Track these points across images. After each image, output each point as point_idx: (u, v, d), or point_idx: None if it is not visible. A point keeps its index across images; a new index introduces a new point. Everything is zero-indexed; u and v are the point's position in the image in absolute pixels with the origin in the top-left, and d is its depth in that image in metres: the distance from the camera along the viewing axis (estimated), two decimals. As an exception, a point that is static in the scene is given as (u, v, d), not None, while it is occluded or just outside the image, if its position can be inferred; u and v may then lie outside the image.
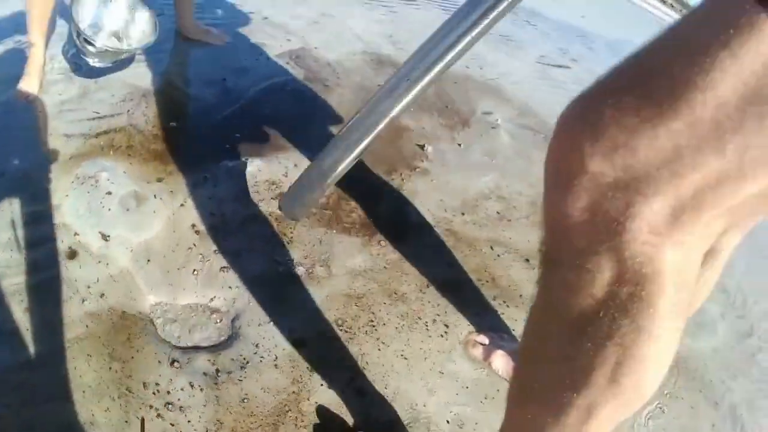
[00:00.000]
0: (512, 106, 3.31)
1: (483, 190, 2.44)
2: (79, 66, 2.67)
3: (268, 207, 2.06)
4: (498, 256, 2.12)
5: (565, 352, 0.79)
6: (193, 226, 1.93)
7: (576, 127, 0.75)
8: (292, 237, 1.96)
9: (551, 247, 0.81)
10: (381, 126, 1.65)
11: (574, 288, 0.75)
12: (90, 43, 2.37)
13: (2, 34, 3.03)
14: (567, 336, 0.79)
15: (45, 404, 1.41)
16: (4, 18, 3.24)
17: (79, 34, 2.37)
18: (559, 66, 4.42)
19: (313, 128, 2.58)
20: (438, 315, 1.84)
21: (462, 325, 1.84)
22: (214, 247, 1.87)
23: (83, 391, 1.45)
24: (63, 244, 1.79)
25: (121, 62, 2.61)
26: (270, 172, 2.23)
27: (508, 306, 1.94)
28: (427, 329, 1.79)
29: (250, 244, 1.90)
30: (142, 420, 1.42)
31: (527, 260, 2.13)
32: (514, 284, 2.03)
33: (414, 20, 4.03)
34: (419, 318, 1.81)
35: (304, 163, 2.24)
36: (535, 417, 0.88)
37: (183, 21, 3.07)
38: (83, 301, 1.65)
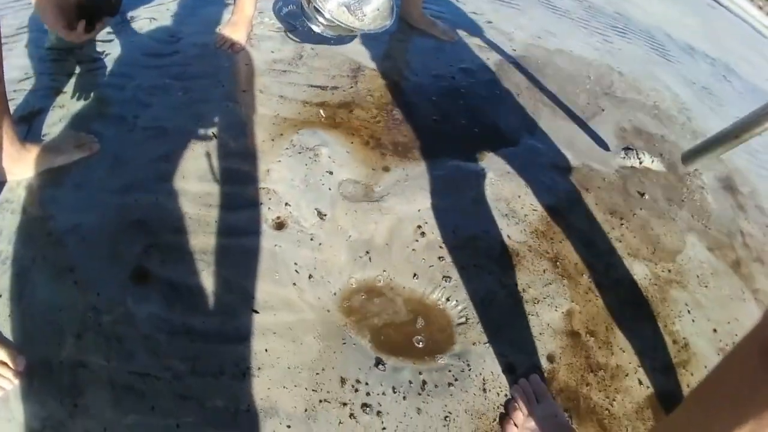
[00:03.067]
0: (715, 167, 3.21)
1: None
2: (292, 26, 2.67)
3: (499, 225, 2.01)
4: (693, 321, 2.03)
5: None
6: (419, 228, 1.89)
7: None
8: (519, 260, 1.90)
9: None
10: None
11: None
12: (319, 12, 2.29)
13: None
14: None
15: (214, 378, 1.41)
16: None
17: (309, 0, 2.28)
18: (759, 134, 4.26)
19: (537, 138, 2.54)
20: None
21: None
22: (439, 254, 1.83)
23: (269, 373, 1.45)
24: (270, 212, 1.78)
25: (344, 37, 2.58)
26: (504, 184, 2.17)
27: None
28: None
29: (477, 260, 1.85)
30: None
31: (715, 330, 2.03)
32: None
33: (626, 53, 3.92)
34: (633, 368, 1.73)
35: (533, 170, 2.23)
36: None
37: (410, 8, 3.06)
38: (289, 278, 1.64)
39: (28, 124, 1.96)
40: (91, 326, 1.43)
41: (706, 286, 2.17)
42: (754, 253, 2.56)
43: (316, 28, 2.37)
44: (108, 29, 2.45)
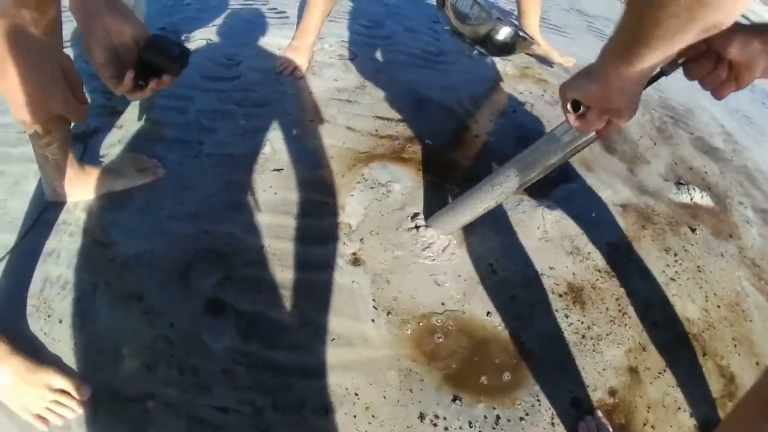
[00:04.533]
0: (760, 199, 3.26)
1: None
2: (354, 54, 2.74)
3: (565, 263, 2.09)
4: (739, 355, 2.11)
5: None
6: (491, 266, 1.98)
7: None
8: (584, 298, 2.00)
9: None
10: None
11: None
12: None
13: None
14: None
15: (295, 412, 1.45)
16: None
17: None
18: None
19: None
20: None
21: None
22: (511, 293, 1.91)
23: (349, 408, 1.50)
24: (345, 247, 1.83)
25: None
26: (567, 222, 2.25)
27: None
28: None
29: (545, 298, 1.95)
30: None
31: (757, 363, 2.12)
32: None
33: (672, 83, 3.98)
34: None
35: (594, 208, 2.32)
36: None
37: (529, 32, 3.11)
38: (367, 314, 1.69)
39: (83, 144, 1.99)
40: (164, 357, 1.47)
41: (751, 321, 2.25)
42: (800, 286, 2.64)
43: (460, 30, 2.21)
44: None
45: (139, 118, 2.13)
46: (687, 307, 2.15)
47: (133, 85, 1.26)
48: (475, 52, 2.25)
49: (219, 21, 2.92)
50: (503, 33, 2.16)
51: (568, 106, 1.20)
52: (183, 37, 2.68)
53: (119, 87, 1.24)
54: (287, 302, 1.65)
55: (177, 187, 1.88)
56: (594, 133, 1.25)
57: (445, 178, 2.23)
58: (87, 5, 1.18)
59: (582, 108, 1.16)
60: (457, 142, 2.46)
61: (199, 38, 2.71)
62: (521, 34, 2.23)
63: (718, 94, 1.14)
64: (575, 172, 2.57)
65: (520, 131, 2.70)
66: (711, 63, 1.10)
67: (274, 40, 2.79)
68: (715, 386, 1.92)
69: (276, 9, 3.17)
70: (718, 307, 2.24)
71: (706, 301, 2.23)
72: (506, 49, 2.26)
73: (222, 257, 1.71)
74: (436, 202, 2.10)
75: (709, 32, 0.81)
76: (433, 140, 2.40)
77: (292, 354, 1.55)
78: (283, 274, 1.72)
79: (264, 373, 1.50)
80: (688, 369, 1.92)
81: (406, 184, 2.12)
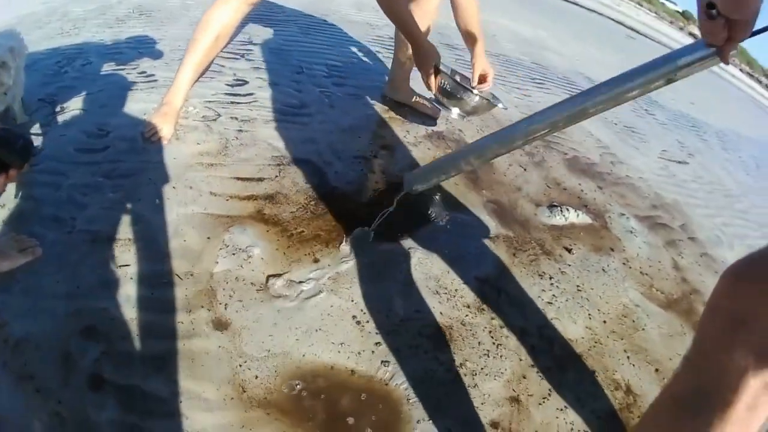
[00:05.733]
0: (643, 207, 3.41)
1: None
2: (217, 114, 2.79)
3: (430, 303, 2.12)
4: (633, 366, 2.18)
5: None
6: (354, 317, 2.00)
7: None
8: (454, 336, 2.03)
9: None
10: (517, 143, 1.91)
11: None
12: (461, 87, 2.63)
13: (125, 59, 3.27)
14: None
15: None
16: (126, 43, 3.51)
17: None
18: (679, 162, 4.55)
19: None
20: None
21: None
22: (376, 341, 1.94)
23: None
24: (210, 313, 1.86)
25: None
26: (432, 262, 2.30)
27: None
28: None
29: (412, 341, 1.97)
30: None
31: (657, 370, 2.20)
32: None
33: (545, 104, 4.19)
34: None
35: (460, 244, 2.35)
36: None
37: (397, 83, 3.41)
38: (234, 376, 1.71)
39: (-33, 228, 1.99)
40: None
41: (643, 329, 2.34)
42: (690, 286, 2.76)
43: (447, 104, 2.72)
44: (41, 121, 2.57)
45: (16, 196, 2.14)
46: (568, 328, 2.20)
47: None
48: (455, 114, 2.74)
49: (94, 89, 2.94)
50: (473, 101, 2.67)
51: (704, 7, 1.25)
52: (58, 108, 2.70)
53: None
54: (161, 372, 1.66)
55: (54, 265, 1.90)
56: (715, 53, 1.31)
57: (305, 234, 2.26)
58: None
59: (714, 11, 1.22)
60: (316, 195, 2.50)
61: (74, 108, 2.72)
62: (490, 99, 2.73)
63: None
64: (442, 209, 2.64)
65: (380, 177, 2.77)
66: None
67: (142, 106, 2.82)
68: (612, 400, 1.98)
69: (146, 73, 3.20)
70: (604, 322, 2.32)
71: (590, 318, 2.30)
72: (477, 111, 2.77)
73: (99, 333, 1.72)
74: (296, 260, 2.13)
75: None
76: (292, 196, 2.44)
77: (170, 423, 1.56)
78: (155, 344, 1.73)
79: (146, 443, 1.51)
80: (576, 389, 1.97)
81: (265, 247, 2.13)
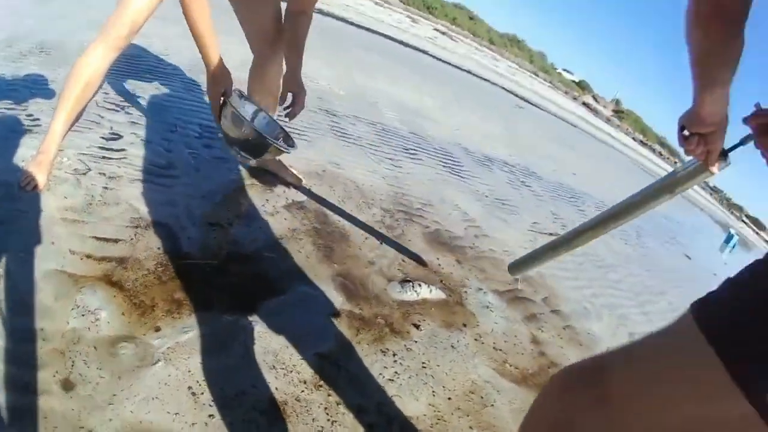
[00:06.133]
0: (503, 281, 3.50)
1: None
2: (87, 168, 2.76)
3: (267, 378, 2.12)
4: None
5: None
6: (190, 388, 1.97)
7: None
8: (288, 412, 2.02)
9: None
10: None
11: None
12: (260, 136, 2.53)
13: (18, 98, 3.21)
14: None
15: None
16: (22, 80, 3.45)
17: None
18: (550, 234, 4.70)
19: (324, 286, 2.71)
20: None
21: None
22: (210, 412, 1.91)
23: None
24: (58, 374, 1.83)
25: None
26: (272, 337, 2.29)
27: None
28: None
29: (245, 415, 1.95)
30: None
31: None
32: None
33: (415, 176, 4.25)
34: None
35: (304, 318, 2.37)
36: None
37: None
38: None
39: None
40: None
41: (492, 405, 2.39)
42: (548, 360, 2.84)
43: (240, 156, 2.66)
44: None
45: None
46: (409, 405, 2.22)
47: None
48: (237, 154, 2.64)
49: None
50: (253, 139, 2.54)
51: (679, 131, 1.52)
52: None
53: None
54: (12, 426, 1.63)
55: None
56: (702, 166, 1.61)
57: (152, 300, 2.24)
58: None
59: (685, 132, 1.50)
60: (166, 261, 2.48)
61: None
62: (275, 142, 2.61)
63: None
64: (288, 281, 2.64)
65: (234, 246, 2.77)
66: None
67: (23, 151, 2.76)
68: None
69: (32, 115, 3.12)
70: (449, 399, 2.34)
71: (433, 395, 2.32)
72: (259, 151, 2.64)
73: None
74: (139, 326, 2.10)
75: None
76: (143, 261, 2.42)
77: None
78: (8, 397, 1.70)
79: None
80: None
81: (112, 311, 2.10)
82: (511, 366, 2.69)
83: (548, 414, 1.21)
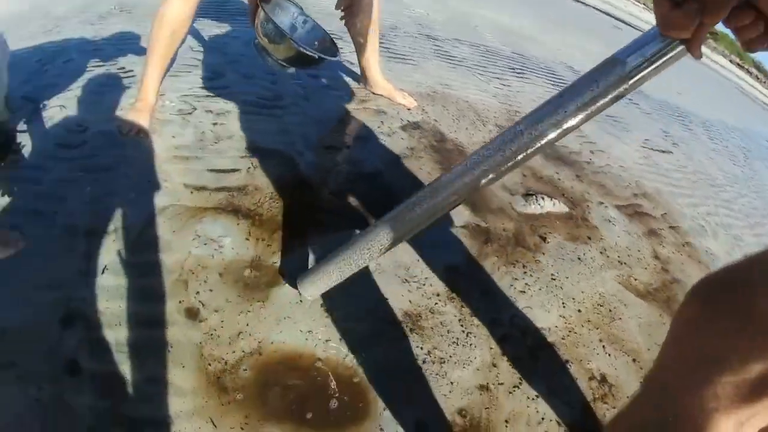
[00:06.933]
0: (623, 196, 3.42)
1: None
2: (192, 107, 2.81)
3: (400, 291, 2.13)
4: (609, 355, 2.18)
5: None
6: (322, 306, 2.01)
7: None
8: (422, 324, 2.04)
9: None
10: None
11: None
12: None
13: (105, 55, 3.29)
14: None
15: None
16: (106, 39, 3.53)
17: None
18: (663, 151, 4.55)
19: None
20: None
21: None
22: (345, 328, 1.95)
23: None
24: (181, 304, 1.88)
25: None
26: (402, 251, 2.30)
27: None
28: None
29: (379, 329, 1.98)
30: None
31: (634, 360, 2.20)
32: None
33: (524, 94, 4.17)
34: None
35: (432, 232, 2.35)
36: None
37: (369, 73, 3.41)
38: (196, 365, 1.73)
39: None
40: (37, 419, 1.51)
41: (620, 319, 2.35)
42: (671, 276, 2.77)
43: (271, 58, 2.31)
44: (24, 118, 2.59)
45: (-2, 191, 2.17)
46: (540, 317, 2.21)
47: None
48: (275, 64, 2.35)
49: (74, 85, 2.96)
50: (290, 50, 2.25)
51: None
52: (40, 105, 2.73)
53: None
54: (135, 359, 1.69)
55: (35, 257, 1.93)
56: (680, 45, 1.03)
57: (275, 225, 2.27)
58: None
59: None
60: (288, 185, 2.51)
61: (55, 105, 2.74)
62: (308, 52, 2.25)
63: (751, 46, 0.97)
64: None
65: (354, 167, 2.77)
66: (752, 15, 0.92)
67: (121, 102, 2.84)
68: (586, 390, 1.98)
69: (125, 68, 3.21)
70: (579, 311, 2.32)
71: (564, 307, 2.31)
72: (299, 62, 2.32)
73: (77, 322, 1.76)
74: (265, 250, 2.14)
75: None
76: (264, 188, 2.44)
77: (144, 408, 1.58)
78: (130, 332, 1.76)
79: (119, 428, 1.53)
80: (548, 379, 1.98)
81: (236, 237, 2.14)
82: (635, 280, 2.64)
83: (689, 343, 1.02)
